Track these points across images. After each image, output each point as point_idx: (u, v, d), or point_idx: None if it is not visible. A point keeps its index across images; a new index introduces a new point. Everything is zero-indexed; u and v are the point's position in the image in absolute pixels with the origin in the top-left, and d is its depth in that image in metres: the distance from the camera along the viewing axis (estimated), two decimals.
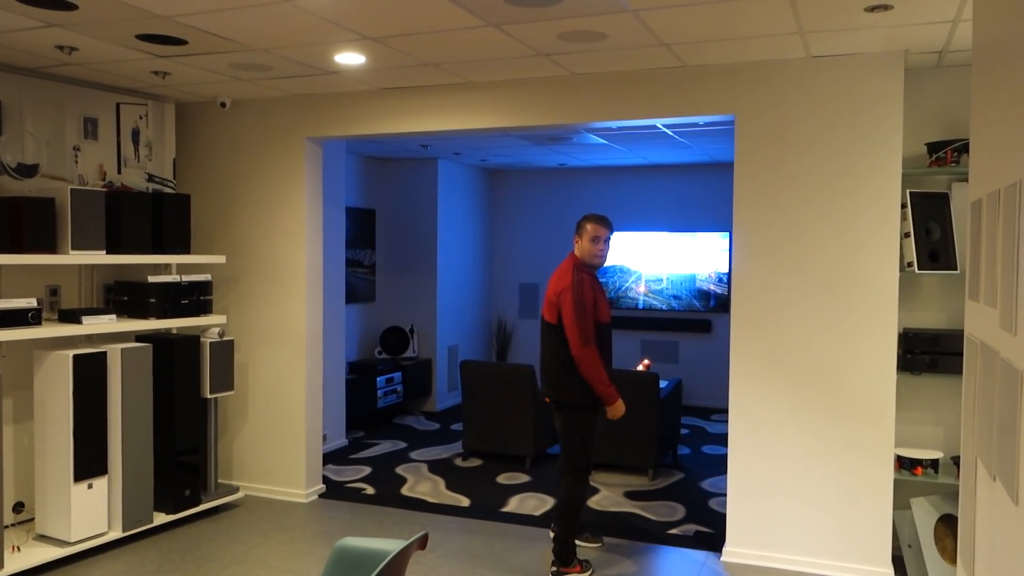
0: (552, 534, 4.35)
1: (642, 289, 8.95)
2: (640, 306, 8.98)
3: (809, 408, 4.35)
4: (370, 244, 8.42)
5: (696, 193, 8.90)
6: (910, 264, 4.29)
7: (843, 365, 4.27)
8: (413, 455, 6.77)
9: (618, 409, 4.18)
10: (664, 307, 8.89)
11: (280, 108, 5.50)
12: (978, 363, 2.12)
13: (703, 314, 8.84)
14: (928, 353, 4.28)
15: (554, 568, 4.24)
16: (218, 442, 5.54)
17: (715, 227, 8.79)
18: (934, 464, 4.28)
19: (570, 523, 4.22)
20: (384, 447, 7.03)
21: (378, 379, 7.69)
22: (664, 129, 6.33)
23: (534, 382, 6.35)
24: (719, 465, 6.50)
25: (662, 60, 4.42)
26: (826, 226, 4.31)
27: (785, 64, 4.36)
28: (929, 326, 4.49)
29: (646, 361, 7.79)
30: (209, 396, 5.15)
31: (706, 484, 6.00)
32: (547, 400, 4.29)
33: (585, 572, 4.25)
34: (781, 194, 4.41)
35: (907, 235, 4.29)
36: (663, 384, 6.58)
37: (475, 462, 6.56)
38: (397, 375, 7.98)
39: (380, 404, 7.73)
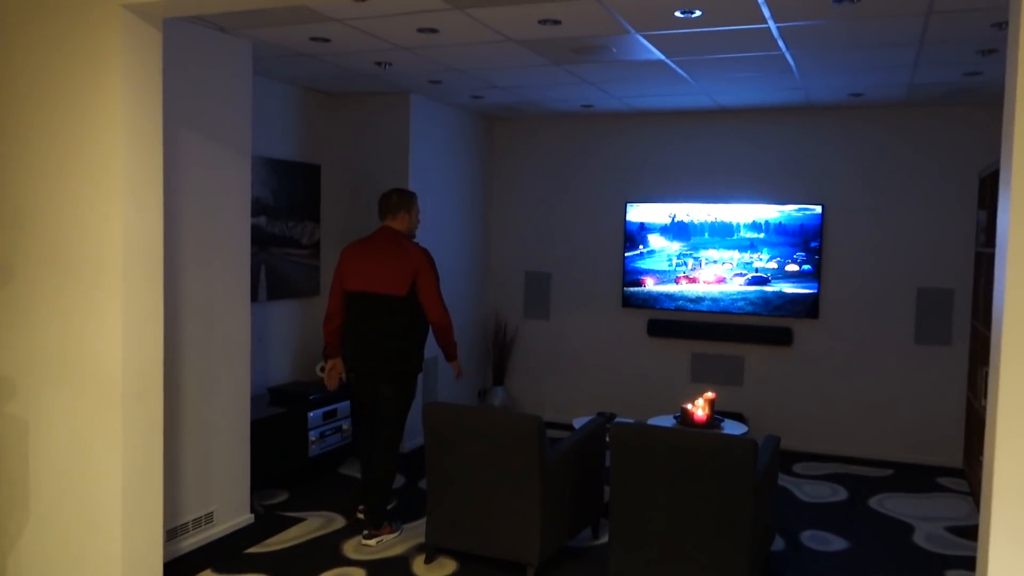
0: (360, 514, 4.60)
1: (696, 283, 6.40)
2: (692, 307, 6.43)
3: None
4: (312, 214, 5.89)
5: (780, 152, 6.31)
6: None
7: None
8: (350, 545, 4.29)
9: (458, 363, 4.64)
10: (726, 308, 6.34)
11: None
12: None
13: (782, 320, 6.28)
14: None
15: (366, 532, 4.33)
16: None
17: (805, 199, 6.21)
18: None
19: (391, 489, 4.39)
20: (309, 526, 4.55)
21: (310, 415, 5.19)
22: (770, 23, 3.76)
23: (544, 442, 3.84)
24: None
25: None
26: None
27: None
28: None
29: (709, 394, 5.25)
30: None
31: None
32: (370, 376, 4.37)
33: (396, 531, 4.43)
34: None
35: None
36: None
37: (445, 567, 4.07)
38: (343, 405, 5.48)
39: (314, 451, 5.23)
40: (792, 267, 6.12)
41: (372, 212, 6.04)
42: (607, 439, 4.53)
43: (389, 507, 4.56)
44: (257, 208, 5.32)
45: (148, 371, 3.08)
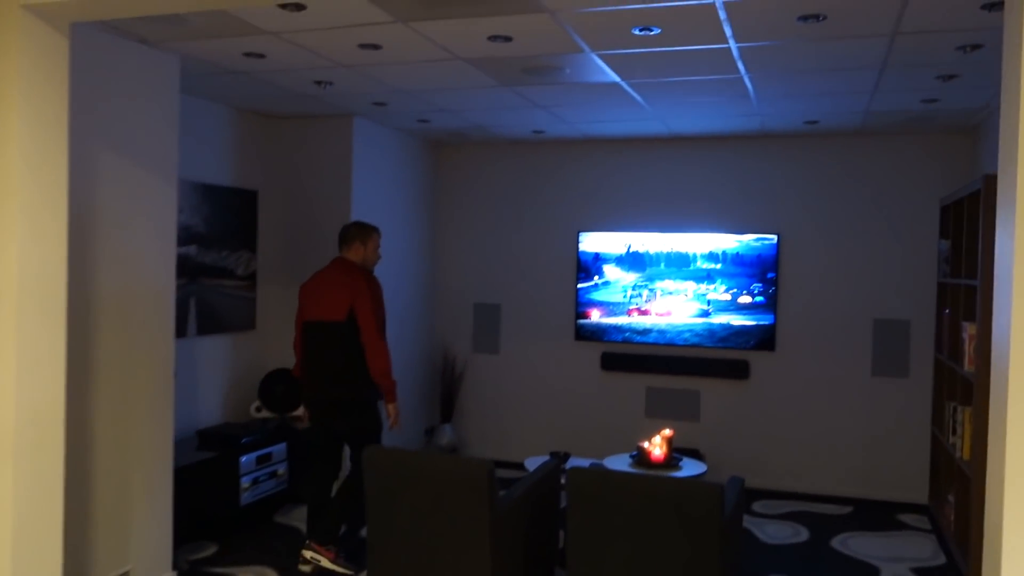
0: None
1: (648, 315, 6.20)
2: (648, 339, 6.22)
3: None
4: (248, 243, 5.54)
5: (735, 181, 6.17)
6: None
7: None
8: None
9: (396, 408, 4.31)
10: (682, 341, 6.14)
11: None
12: None
13: (739, 352, 6.11)
14: None
15: (307, 541, 4.24)
16: None
17: (760, 228, 6.07)
18: None
19: (350, 509, 4.28)
20: None
21: (242, 459, 4.80)
22: (731, 43, 3.59)
23: (494, 489, 3.54)
24: None
25: None
26: None
27: None
28: None
29: (666, 432, 5.02)
30: None
31: None
32: (321, 408, 4.34)
33: (337, 562, 4.21)
34: None
35: None
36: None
37: None
38: (278, 448, 5.10)
39: (246, 499, 4.83)
40: (745, 299, 5.97)
41: (312, 240, 5.73)
42: (562, 481, 4.27)
43: (335, 557, 4.28)
44: (187, 236, 4.97)
45: (46, 420, 2.71)
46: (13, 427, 2.59)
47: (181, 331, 4.91)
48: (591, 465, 4.53)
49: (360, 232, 4.40)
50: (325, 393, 4.30)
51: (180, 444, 4.72)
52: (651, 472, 4.65)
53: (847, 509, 5.64)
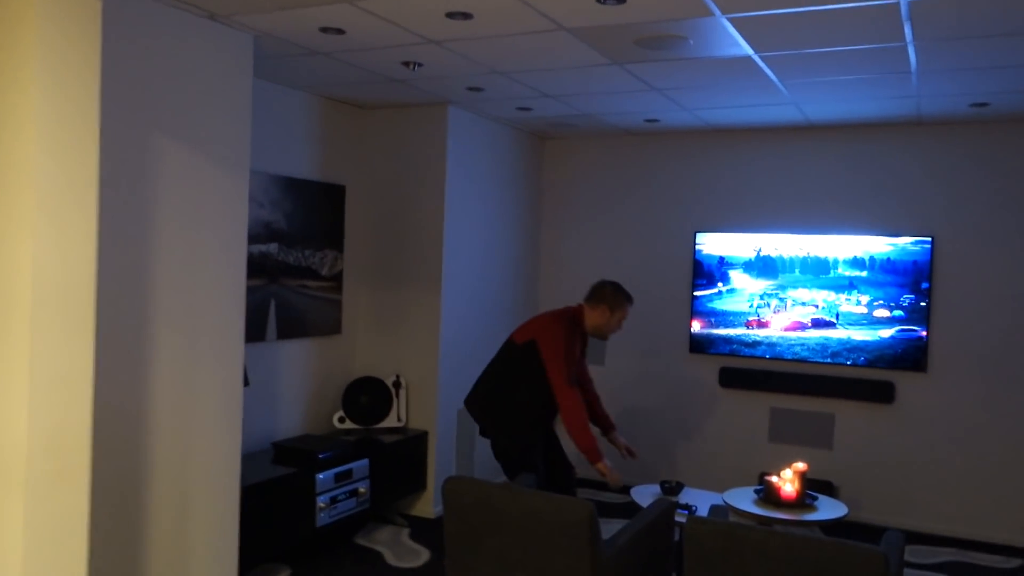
0: None
1: (779, 326, 5.45)
2: (772, 354, 5.48)
3: None
4: (334, 242, 5.15)
5: (880, 176, 5.35)
6: None
7: None
8: None
9: (604, 468, 3.93)
10: (815, 357, 5.37)
11: None
12: None
13: (882, 372, 5.29)
14: None
15: None
16: None
17: (911, 229, 5.24)
18: None
19: None
20: None
21: (319, 476, 4.39)
22: None
23: (596, 535, 2.97)
24: None
25: None
26: None
27: None
28: None
29: (799, 465, 4.29)
30: None
31: None
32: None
33: None
34: None
35: None
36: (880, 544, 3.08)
37: None
38: (359, 464, 4.67)
39: (323, 519, 4.42)
40: (882, 312, 5.14)
41: (404, 240, 5.28)
42: (676, 519, 3.65)
43: None
44: (268, 233, 4.61)
45: (67, 447, 2.31)
46: (24, 458, 2.20)
47: (260, 335, 4.55)
48: (712, 510, 3.89)
49: (614, 299, 4.06)
50: (474, 408, 4.18)
51: (254, 457, 4.38)
52: (783, 515, 3.97)
53: (1016, 563, 4.76)
